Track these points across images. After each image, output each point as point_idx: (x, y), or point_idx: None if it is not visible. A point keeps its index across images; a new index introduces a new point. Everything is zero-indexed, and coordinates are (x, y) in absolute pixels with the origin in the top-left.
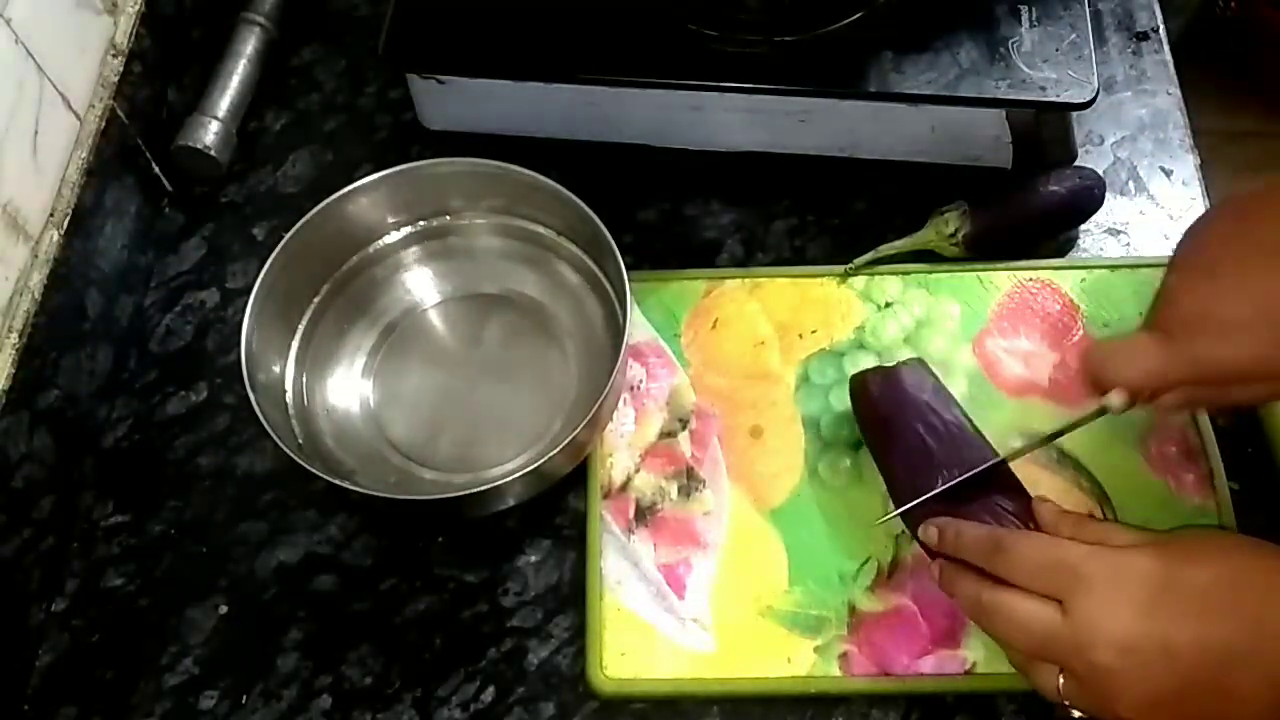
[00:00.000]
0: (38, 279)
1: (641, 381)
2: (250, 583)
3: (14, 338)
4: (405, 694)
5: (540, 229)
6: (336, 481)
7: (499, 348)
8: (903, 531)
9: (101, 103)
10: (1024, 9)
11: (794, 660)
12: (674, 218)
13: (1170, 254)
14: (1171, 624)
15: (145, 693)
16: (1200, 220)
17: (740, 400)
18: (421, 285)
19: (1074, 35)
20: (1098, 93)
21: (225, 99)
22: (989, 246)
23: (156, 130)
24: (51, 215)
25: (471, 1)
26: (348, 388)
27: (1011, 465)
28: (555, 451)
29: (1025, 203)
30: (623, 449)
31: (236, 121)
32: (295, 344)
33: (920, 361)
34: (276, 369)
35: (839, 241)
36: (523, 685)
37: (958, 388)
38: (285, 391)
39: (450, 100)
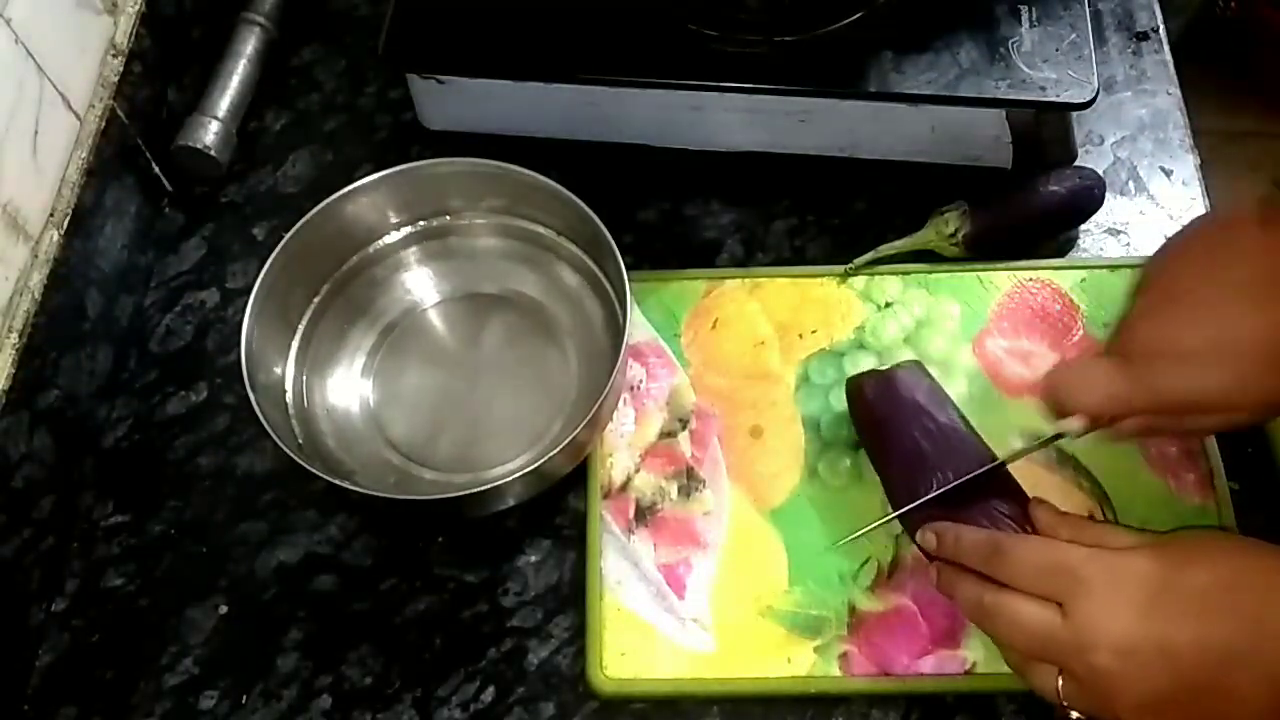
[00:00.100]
0: (38, 279)
1: (641, 381)
2: (250, 583)
3: (14, 338)
4: (405, 694)
5: (540, 229)
6: (336, 481)
7: (499, 348)
8: (902, 532)
9: (101, 103)
10: (1024, 9)
11: (794, 660)
12: (674, 218)
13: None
14: (1171, 625)
15: (145, 693)
16: (1164, 247)
17: (740, 400)
18: (421, 285)
19: (1074, 35)
20: (1098, 93)
21: (225, 99)
22: (989, 246)
23: (156, 130)
24: (51, 215)
25: (471, 1)
26: (348, 388)
27: (1011, 465)
28: (555, 451)
29: (1025, 203)
30: (623, 449)
31: (236, 121)
32: (295, 344)
33: (916, 363)
34: (276, 369)
35: (839, 241)
36: (523, 685)
37: (958, 388)
38: (285, 391)
39: (450, 100)
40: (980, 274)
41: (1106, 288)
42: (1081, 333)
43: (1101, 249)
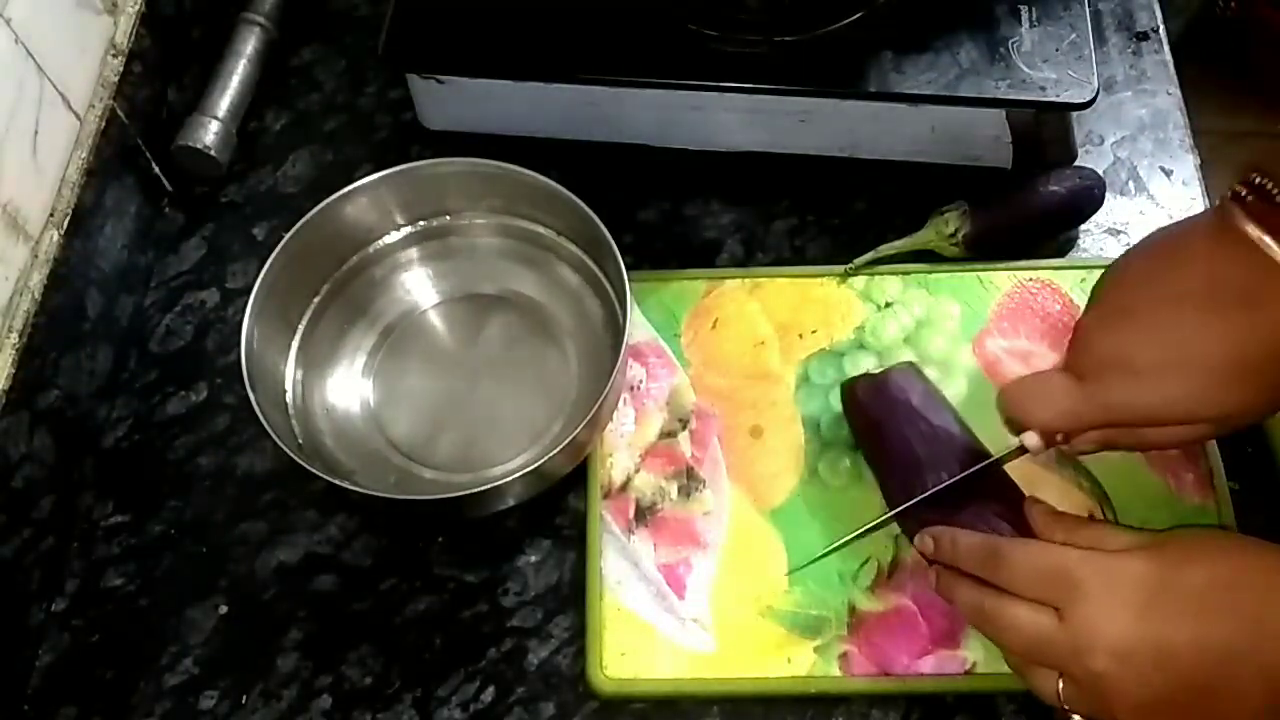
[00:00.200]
0: (38, 279)
1: (641, 381)
2: (250, 583)
3: (14, 338)
4: (405, 694)
5: (540, 229)
6: (336, 481)
7: (499, 348)
8: (902, 532)
9: (101, 103)
10: (1024, 9)
11: (794, 660)
12: (674, 218)
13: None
14: (1168, 626)
15: (145, 693)
16: (1118, 261)
17: (740, 400)
18: (421, 285)
19: (1074, 35)
20: (1098, 93)
21: (225, 99)
22: (989, 246)
23: (156, 130)
24: (51, 215)
25: (471, 1)
26: (348, 388)
27: (1011, 465)
28: (555, 451)
29: (1025, 203)
30: (623, 449)
31: (236, 121)
32: (295, 344)
33: (911, 365)
34: (276, 369)
35: (839, 241)
36: (523, 685)
37: (958, 388)
38: (285, 391)
39: (450, 100)
40: (980, 274)
41: None
42: None
43: (1101, 249)
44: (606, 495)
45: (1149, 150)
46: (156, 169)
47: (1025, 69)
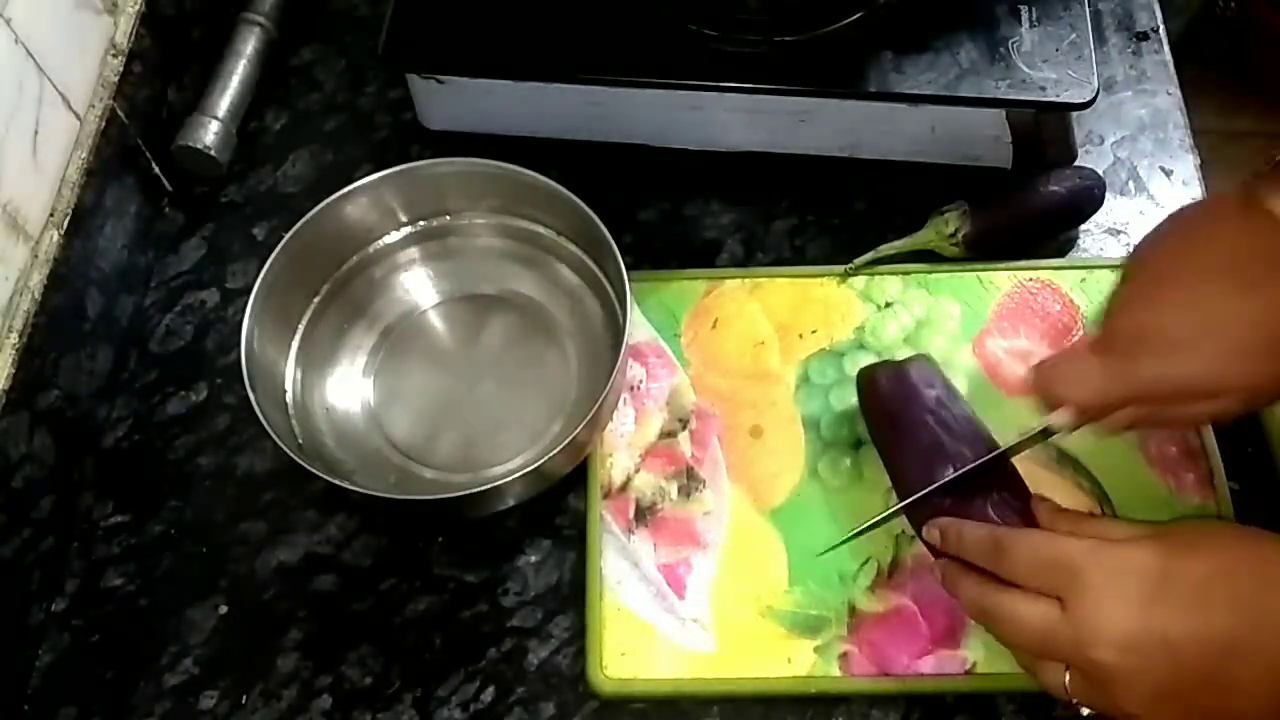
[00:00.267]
0: (38, 279)
1: (641, 381)
2: (250, 583)
3: (14, 338)
4: (405, 694)
5: (540, 229)
6: (336, 481)
7: (499, 348)
8: (903, 531)
9: (101, 103)
10: (1024, 9)
11: (794, 660)
12: (674, 218)
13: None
14: (1171, 617)
15: (145, 693)
16: (1148, 237)
17: (740, 400)
18: (421, 285)
19: (1074, 35)
20: (1098, 93)
21: (225, 99)
22: (989, 246)
23: (156, 130)
24: (51, 215)
25: (471, 1)
26: (348, 388)
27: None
28: (555, 451)
29: (1025, 203)
30: (623, 449)
31: (236, 121)
32: (295, 344)
33: (927, 358)
34: (276, 369)
35: (839, 241)
36: (523, 685)
37: (958, 388)
38: (285, 391)
39: (450, 100)
40: (980, 274)
41: (1106, 288)
42: (1081, 333)
43: (1101, 249)
44: (606, 495)
45: (1149, 150)
46: (156, 169)
47: (1025, 69)
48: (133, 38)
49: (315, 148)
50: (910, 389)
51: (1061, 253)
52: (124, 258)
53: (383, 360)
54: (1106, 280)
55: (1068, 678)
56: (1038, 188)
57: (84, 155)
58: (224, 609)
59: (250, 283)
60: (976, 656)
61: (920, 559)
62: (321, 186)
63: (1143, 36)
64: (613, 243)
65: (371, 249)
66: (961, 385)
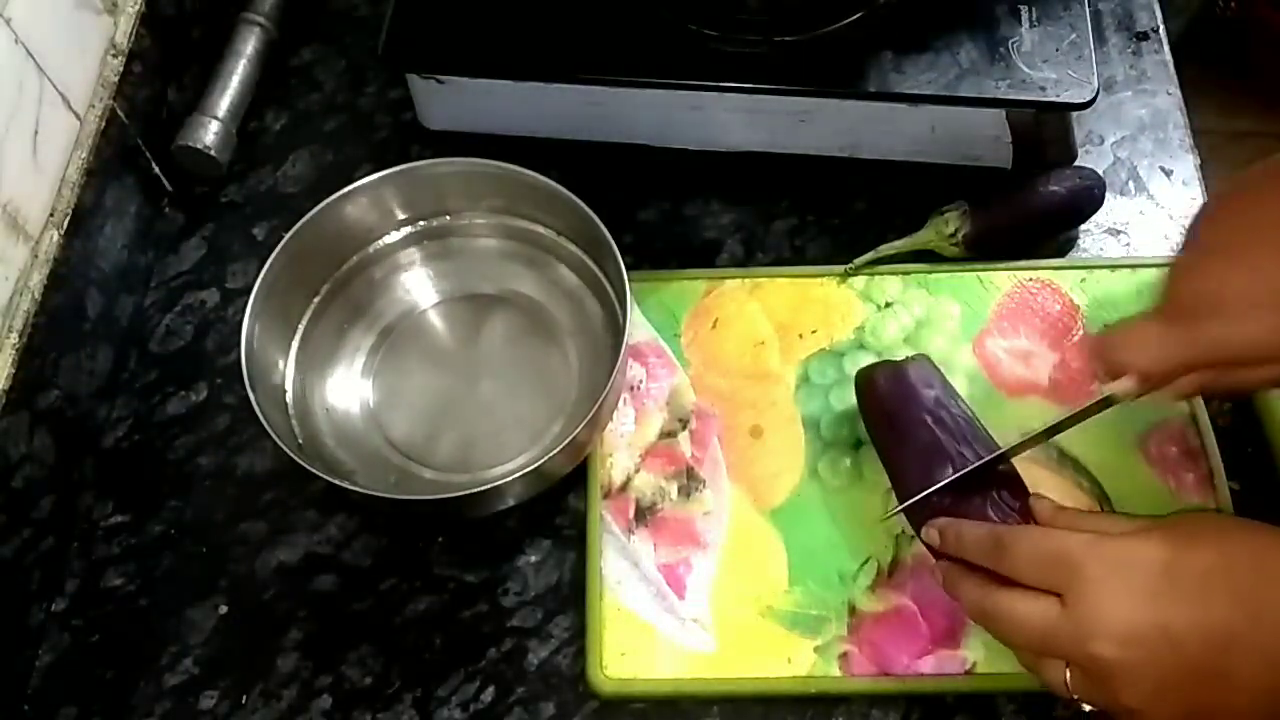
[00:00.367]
0: (38, 279)
1: (641, 381)
2: (250, 583)
3: (14, 338)
4: (405, 694)
5: (540, 229)
6: (336, 481)
7: (499, 348)
8: (903, 531)
9: (101, 103)
10: (1024, 9)
11: (794, 660)
12: (674, 218)
13: (1172, 251)
14: (1172, 610)
15: (145, 693)
16: (1206, 203)
17: (740, 400)
18: (421, 285)
19: (1074, 35)
20: (1098, 93)
21: (225, 99)
22: (989, 246)
23: (156, 130)
24: (51, 215)
25: (471, 1)
26: (348, 388)
27: (1011, 464)
28: (555, 451)
29: (1025, 203)
30: (623, 449)
31: (236, 121)
32: (295, 344)
33: (926, 358)
34: (276, 369)
35: (839, 241)
36: (523, 685)
37: (958, 388)
38: (285, 391)
39: (450, 100)
40: (980, 274)
41: (1107, 288)
42: (1081, 333)
43: (1101, 249)
44: (606, 495)
45: (1149, 150)
46: (156, 169)
47: (1025, 69)
48: (133, 38)
49: (315, 148)
50: (909, 389)
51: (1061, 253)
52: (124, 258)
53: (382, 360)
54: (1106, 280)
55: (1068, 674)
56: (1038, 188)
57: (84, 155)
58: (224, 609)
59: (250, 283)
60: (976, 656)
61: (920, 559)
62: (321, 186)
63: (1143, 36)
64: (613, 243)
65: (371, 249)
66: (961, 385)
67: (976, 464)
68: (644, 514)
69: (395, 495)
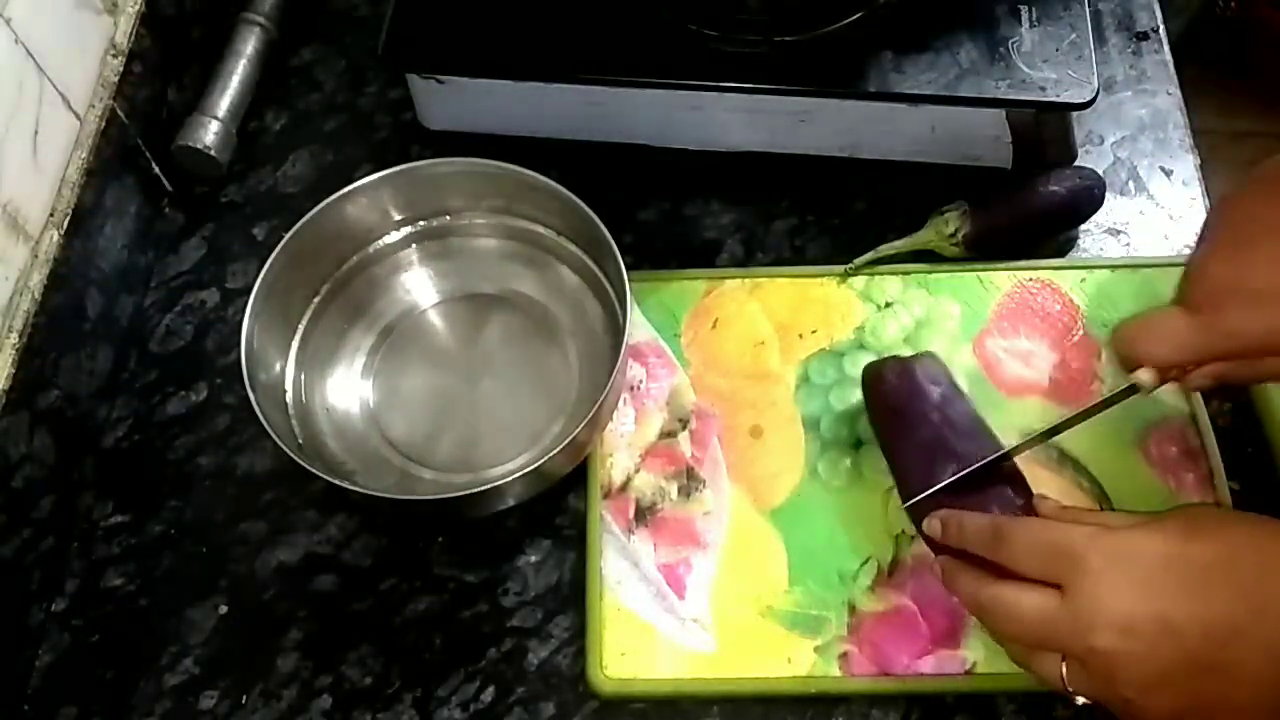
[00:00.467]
0: (38, 279)
1: (641, 381)
2: (250, 583)
3: (14, 338)
4: (405, 694)
5: (540, 229)
6: (336, 481)
7: (499, 348)
8: (903, 531)
9: (101, 103)
10: (1024, 9)
11: (794, 660)
12: (674, 218)
13: (1172, 251)
14: (1172, 602)
15: (145, 693)
16: (1227, 194)
17: (740, 400)
18: (421, 285)
19: (1074, 35)
20: (1098, 93)
21: (225, 99)
22: (989, 246)
23: (156, 130)
24: (51, 215)
25: (471, 1)
26: (348, 388)
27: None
28: (555, 451)
29: (1025, 203)
30: (623, 449)
31: (236, 121)
32: (295, 344)
33: (934, 356)
34: (276, 369)
35: (839, 241)
36: (523, 685)
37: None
38: (285, 391)
39: (450, 100)
40: (980, 274)
41: (1107, 288)
42: (1081, 333)
43: (1101, 249)
44: (606, 495)
45: (1149, 150)
46: (156, 169)
47: (1025, 69)
48: (133, 38)
49: (315, 148)
50: (916, 385)
51: (1061, 253)
52: (124, 258)
53: (382, 360)
54: (1106, 280)
55: (1065, 667)
56: (1038, 188)
57: (84, 155)
58: (224, 609)
59: (250, 283)
60: (976, 656)
61: (920, 559)
62: (321, 186)
63: (1143, 36)
64: (613, 243)
65: (371, 249)
66: (961, 385)
67: (982, 461)
68: (644, 514)
69: (395, 495)
